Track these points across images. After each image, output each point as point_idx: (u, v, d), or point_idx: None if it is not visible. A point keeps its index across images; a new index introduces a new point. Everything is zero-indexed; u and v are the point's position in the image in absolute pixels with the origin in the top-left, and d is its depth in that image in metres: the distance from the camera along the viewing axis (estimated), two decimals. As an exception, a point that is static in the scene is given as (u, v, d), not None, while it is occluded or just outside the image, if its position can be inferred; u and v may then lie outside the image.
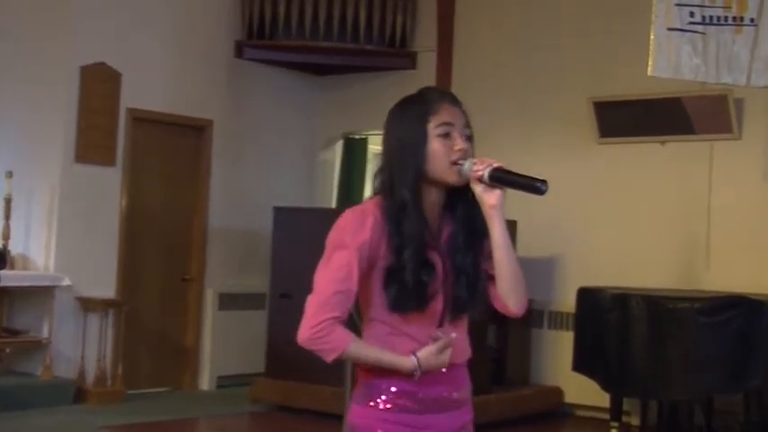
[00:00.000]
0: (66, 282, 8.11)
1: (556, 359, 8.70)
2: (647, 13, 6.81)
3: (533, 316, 8.94)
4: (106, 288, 8.56)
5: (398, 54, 9.86)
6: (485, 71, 9.50)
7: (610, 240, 8.64)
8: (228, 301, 9.48)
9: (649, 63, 6.74)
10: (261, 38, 9.63)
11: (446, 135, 2.50)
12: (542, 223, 8.80)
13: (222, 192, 9.53)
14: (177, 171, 9.32)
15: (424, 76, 9.72)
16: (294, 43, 9.65)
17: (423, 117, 2.51)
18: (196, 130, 9.42)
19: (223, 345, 9.38)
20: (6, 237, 8.17)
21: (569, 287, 8.20)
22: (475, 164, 2.47)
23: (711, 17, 6.66)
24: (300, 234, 8.47)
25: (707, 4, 6.66)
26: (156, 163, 9.13)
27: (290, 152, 10.22)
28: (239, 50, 9.71)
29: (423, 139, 2.49)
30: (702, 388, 6.96)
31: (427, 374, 2.49)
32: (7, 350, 8.26)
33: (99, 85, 8.52)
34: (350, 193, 10.78)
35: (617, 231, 8.62)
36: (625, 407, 7.86)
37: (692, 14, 6.67)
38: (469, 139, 2.55)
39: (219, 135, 9.52)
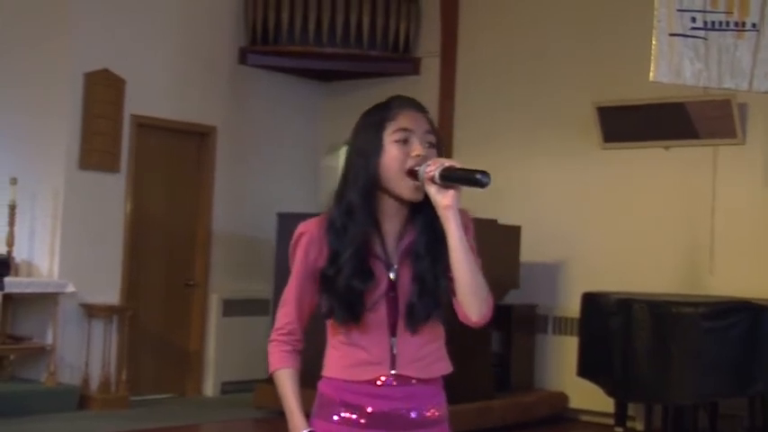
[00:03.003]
0: (71, 288, 8.11)
1: (560, 364, 8.69)
2: (649, 18, 6.82)
3: (538, 321, 8.94)
4: (110, 294, 8.56)
5: (402, 60, 9.87)
6: (488, 77, 9.50)
7: (614, 245, 8.63)
8: (232, 307, 9.48)
9: (651, 68, 6.74)
10: (264, 44, 9.64)
11: (404, 141, 2.41)
12: (546, 228, 8.80)
13: (226, 198, 9.54)
14: (181, 177, 9.33)
15: (427, 81, 9.74)
16: (297, 49, 9.66)
17: (380, 124, 2.44)
18: (200, 137, 9.43)
19: (227, 351, 9.38)
20: (11, 243, 8.18)
21: (573, 292, 8.19)
22: (428, 165, 2.35)
23: (713, 22, 6.66)
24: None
25: (709, 9, 6.66)
26: (160, 169, 9.14)
27: (294, 158, 10.22)
28: (243, 56, 9.72)
29: (378, 145, 2.41)
30: (707, 392, 6.95)
31: (381, 387, 2.41)
32: (11, 357, 8.26)
33: (103, 91, 8.53)
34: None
35: (621, 236, 8.61)
36: (630, 412, 7.86)
37: (693, 20, 6.67)
38: (433, 146, 2.44)
39: (223, 141, 9.53)
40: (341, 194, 2.46)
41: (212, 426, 8.37)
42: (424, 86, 9.67)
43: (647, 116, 8.42)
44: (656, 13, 6.74)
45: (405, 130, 2.42)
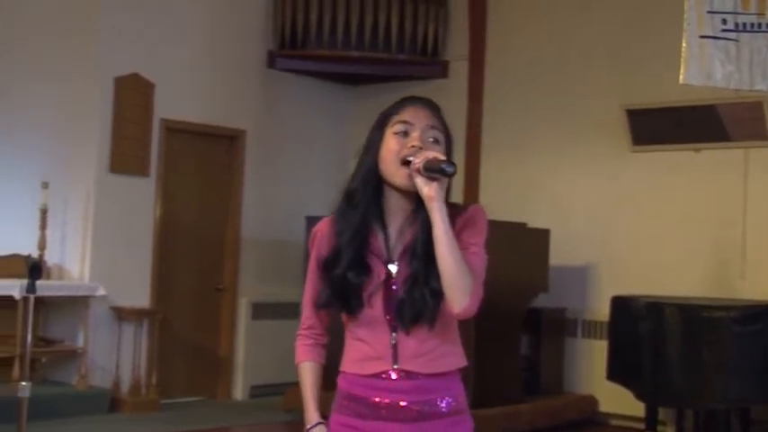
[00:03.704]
0: (101, 291, 8.16)
1: (590, 368, 8.65)
2: (679, 20, 6.78)
3: (567, 324, 8.91)
4: (140, 297, 8.61)
5: (430, 63, 9.87)
6: (517, 80, 9.48)
7: (644, 248, 8.59)
8: (262, 311, 9.51)
9: (681, 71, 6.69)
10: (293, 48, 9.67)
11: (404, 133, 2.45)
12: (576, 231, 8.77)
13: (255, 201, 9.57)
14: (210, 181, 9.37)
15: (456, 84, 9.73)
16: (326, 53, 9.68)
17: (386, 119, 2.50)
18: (229, 140, 9.47)
19: (257, 354, 9.40)
20: (42, 247, 8.25)
21: (603, 295, 8.15)
22: (416, 157, 2.37)
23: (744, 24, 6.61)
24: (333, 243, 8.49)
25: (740, 11, 6.61)
26: (190, 173, 9.18)
27: (323, 161, 10.24)
28: (272, 60, 9.75)
29: (380, 137, 2.48)
30: (738, 397, 6.90)
31: (387, 381, 2.45)
32: (43, 360, 8.33)
33: (133, 95, 8.59)
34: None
35: (651, 239, 8.57)
36: (660, 416, 7.81)
37: (724, 22, 6.62)
38: (438, 142, 2.46)
39: (252, 145, 9.56)
40: (345, 188, 2.54)
41: (242, 429, 8.38)
42: (453, 90, 9.66)
43: (676, 118, 8.38)
44: (685, 15, 6.69)
45: (405, 122, 2.46)
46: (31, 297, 4.91)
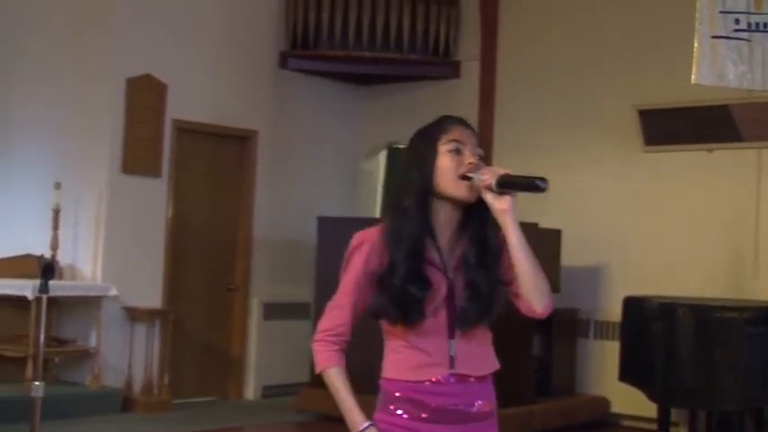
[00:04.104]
0: (114, 292, 8.18)
1: (602, 369, 8.64)
2: (691, 20, 6.76)
3: (579, 325, 8.90)
4: (152, 298, 8.63)
5: (442, 63, 9.86)
6: (528, 80, 9.47)
7: (656, 249, 8.57)
8: (273, 311, 9.52)
9: (693, 71, 6.68)
10: (305, 48, 9.68)
11: (456, 151, 2.59)
12: (588, 232, 8.75)
13: (267, 201, 9.58)
14: (222, 181, 9.38)
15: (467, 85, 9.73)
16: (338, 53, 9.68)
17: (434, 136, 2.61)
18: (241, 141, 9.48)
19: (268, 354, 9.41)
20: (55, 247, 8.27)
21: (615, 296, 8.14)
22: (483, 174, 2.53)
23: (758, 24, 6.60)
24: (344, 244, 8.47)
25: (753, 10, 6.59)
26: (202, 173, 9.20)
27: (334, 162, 10.25)
28: (283, 61, 9.76)
29: (432, 155, 2.59)
30: (751, 398, 6.88)
31: (442, 385, 2.56)
32: (56, 359, 8.34)
33: (145, 96, 8.61)
34: (394, 202, 10.78)
35: (663, 240, 8.55)
36: (673, 417, 7.79)
37: (737, 21, 6.61)
38: (482, 158, 2.63)
39: (264, 145, 9.57)
40: (397, 203, 2.61)
41: (254, 429, 8.39)
42: (464, 90, 9.66)
43: (689, 119, 8.36)
44: (697, 15, 6.68)
45: (457, 141, 2.61)
46: (44, 297, 4.93)
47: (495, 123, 9.58)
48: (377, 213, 10.59)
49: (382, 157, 10.84)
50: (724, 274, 8.24)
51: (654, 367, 7.11)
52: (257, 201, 9.53)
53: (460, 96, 9.74)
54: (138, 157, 8.57)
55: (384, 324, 2.60)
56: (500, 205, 2.53)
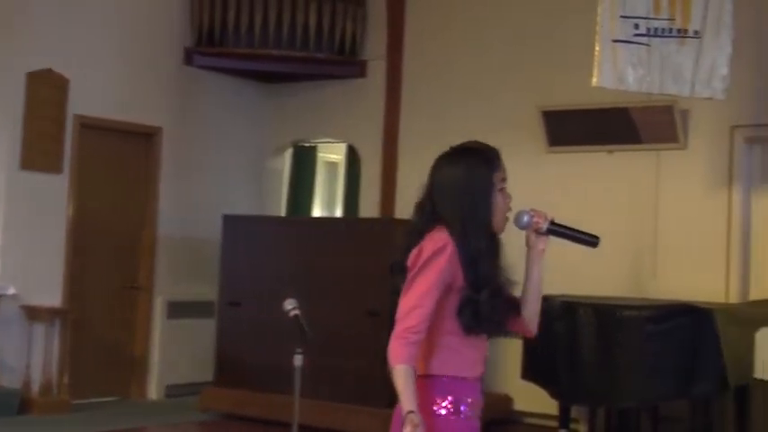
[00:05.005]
0: (12, 290, 8.02)
1: (505, 367, 8.71)
2: (593, 24, 6.89)
3: (482, 324, 8.96)
4: (52, 297, 8.47)
5: (348, 62, 9.87)
6: (434, 80, 9.53)
7: (558, 248, 8.66)
8: (177, 310, 9.42)
9: (594, 74, 6.82)
10: (210, 45, 9.60)
11: (503, 190, 2.92)
12: (491, 231, 8.83)
13: (171, 199, 9.47)
14: (125, 178, 9.25)
15: (373, 84, 9.75)
16: (243, 51, 9.63)
17: (490, 167, 2.92)
18: (145, 138, 9.36)
19: (172, 353, 9.31)
20: (-50, 245, 8.07)
21: (518, 295, 8.22)
22: (533, 216, 2.93)
23: (656, 29, 6.75)
24: (249, 242, 8.45)
25: (652, 15, 6.74)
26: (104, 170, 9.06)
27: (240, 160, 10.19)
28: (188, 57, 9.67)
29: (490, 189, 2.89)
30: (650, 395, 7.01)
31: (479, 382, 2.94)
32: (-49, 360, 8.15)
33: (46, 91, 8.44)
34: (299, 201, 10.77)
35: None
36: (573, 414, 7.91)
37: (636, 26, 6.75)
38: None
39: (168, 142, 9.46)
40: (464, 234, 2.86)
41: (157, 429, 8.30)
42: (370, 89, 9.68)
43: (590, 121, 8.49)
44: (598, 19, 6.81)
45: (504, 180, 2.96)
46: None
47: (401, 123, 9.61)
48: (282, 212, 10.57)
49: (288, 156, 10.83)
50: (625, 273, 8.40)
51: (556, 366, 7.20)
52: (162, 198, 9.42)
53: (366, 95, 9.76)
54: (37, 153, 8.39)
55: (444, 323, 2.83)
56: (541, 245, 3.01)
